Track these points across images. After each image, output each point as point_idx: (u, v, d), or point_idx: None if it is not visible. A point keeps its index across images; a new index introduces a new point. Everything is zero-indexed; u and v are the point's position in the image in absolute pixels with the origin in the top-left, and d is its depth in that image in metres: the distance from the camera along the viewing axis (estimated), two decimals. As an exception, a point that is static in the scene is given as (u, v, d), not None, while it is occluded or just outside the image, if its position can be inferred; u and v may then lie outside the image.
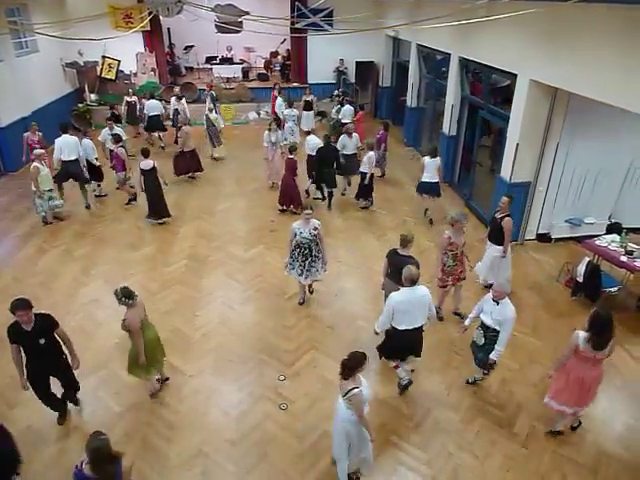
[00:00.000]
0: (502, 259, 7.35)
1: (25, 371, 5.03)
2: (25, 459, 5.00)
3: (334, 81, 18.45)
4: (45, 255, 8.85)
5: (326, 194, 10.77)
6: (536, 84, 7.87)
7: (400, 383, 5.79)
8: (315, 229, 6.75)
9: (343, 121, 13.49)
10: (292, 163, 9.94)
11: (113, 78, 17.00)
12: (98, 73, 16.91)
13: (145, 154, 9.39)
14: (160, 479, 4.86)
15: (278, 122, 12.05)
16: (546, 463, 5.04)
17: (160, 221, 10.02)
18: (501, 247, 7.24)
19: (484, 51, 9.49)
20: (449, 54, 11.30)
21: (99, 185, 11.25)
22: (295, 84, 18.49)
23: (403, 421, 5.50)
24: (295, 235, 6.78)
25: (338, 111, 14.14)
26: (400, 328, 5.34)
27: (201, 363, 6.33)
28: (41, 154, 9.53)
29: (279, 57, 20.68)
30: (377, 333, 5.81)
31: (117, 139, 10.44)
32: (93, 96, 16.83)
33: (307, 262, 6.92)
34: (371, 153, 10.15)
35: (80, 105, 16.47)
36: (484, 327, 5.49)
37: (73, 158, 10.09)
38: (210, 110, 13.29)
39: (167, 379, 6.01)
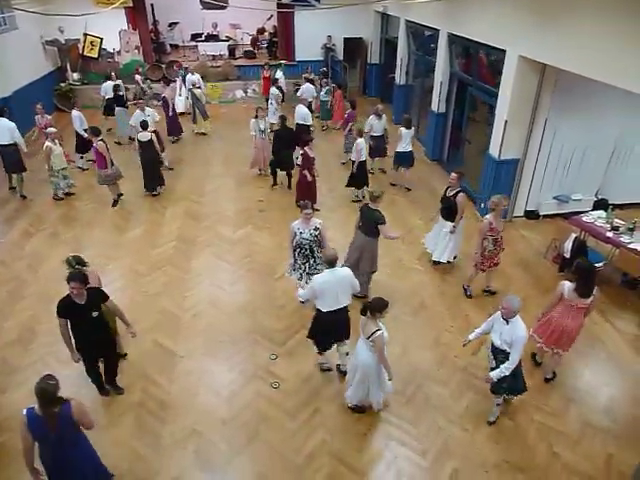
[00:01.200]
0: (452, 235, 7.46)
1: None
2: (14, 443, 5.03)
3: (322, 58, 18.20)
4: (32, 238, 8.74)
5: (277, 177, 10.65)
6: (525, 60, 7.82)
7: (339, 368, 5.91)
8: (316, 229, 6.34)
9: (308, 99, 13.34)
10: (308, 157, 9.23)
11: (96, 56, 16.62)
12: (80, 51, 16.52)
13: (96, 133, 9.16)
14: (154, 458, 4.91)
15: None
16: (533, 434, 5.16)
17: (154, 193, 10.29)
18: (451, 223, 7.36)
19: (473, 27, 9.39)
20: (438, 30, 11.17)
21: (82, 157, 11.33)
22: (283, 61, 18.21)
23: (394, 397, 5.58)
24: (295, 235, 6.37)
25: (327, 92, 13.81)
26: (324, 310, 5.37)
27: (192, 344, 6.34)
28: (53, 133, 9.50)
29: (266, 34, 20.28)
30: (302, 302, 6.52)
31: (95, 132, 9.23)
32: (75, 75, 16.46)
33: (307, 264, 6.51)
34: (360, 140, 9.53)
35: (62, 84, 16.12)
36: (493, 348, 5.00)
37: (6, 142, 9.71)
38: (194, 87, 13.21)
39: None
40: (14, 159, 9.89)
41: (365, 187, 9.94)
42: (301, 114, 11.48)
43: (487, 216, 6.72)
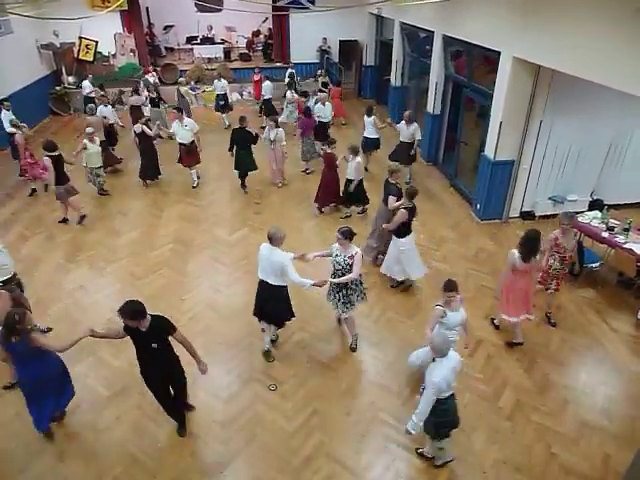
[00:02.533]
0: (404, 253, 7.14)
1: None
2: (12, 446, 5.03)
3: (317, 60, 18.24)
4: (27, 242, 8.71)
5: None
6: (519, 61, 7.85)
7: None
8: (351, 257, 5.70)
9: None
10: (330, 157, 9.21)
11: (91, 60, 16.60)
12: (75, 55, 16.50)
13: (47, 148, 8.54)
14: (151, 461, 4.89)
15: (273, 115, 11.52)
16: (530, 435, 5.17)
17: (149, 182, 10.90)
18: (403, 239, 7.01)
19: (467, 29, 9.42)
20: (432, 32, 11.21)
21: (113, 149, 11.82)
22: (278, 64, 18.25)
23: (391, 398, 5.58)
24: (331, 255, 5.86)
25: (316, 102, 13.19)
26: (258, 276, 5.81)
27: (189, 346, 6.32)
28: (91, 132, 9.69)
29: (261, 36, 20.34)
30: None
31: (47, 147, 8.55)
32: (71, 78, 16.44)
33: (341, 293, 5.96)
34: (358, 159, 8.83)
35: (58, 88, 16.09)
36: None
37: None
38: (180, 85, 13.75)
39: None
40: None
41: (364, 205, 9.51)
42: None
43: (554, 231, 6.32)
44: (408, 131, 10.23)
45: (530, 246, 5.71)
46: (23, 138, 10.08)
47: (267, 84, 14.09)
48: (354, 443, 5.09)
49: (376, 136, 11.15)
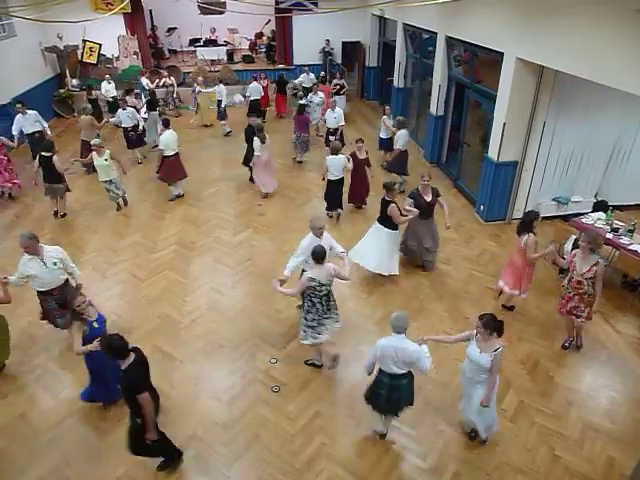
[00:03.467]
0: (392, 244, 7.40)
1: None
2: (17, 448, 5.04)
3: (320, 62, 18.24)
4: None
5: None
6: (522, 62, 7.83)
7: None
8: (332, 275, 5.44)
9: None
10: (363, 161, 9.21)
11: (95, 62, 16.66)
12: (79, 57, 16.56)
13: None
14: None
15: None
16: (533, 437, 5.14)
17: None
18: (393, 231, 7.26)
19: (470, 30, 9.41)
20: (435, 33, 11.20)
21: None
22: (281, 66, 18.27)
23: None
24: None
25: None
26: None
27: (191, 348, 6.33)
28: (98, 144, 9.17)
29: (264, 38, 20.35)
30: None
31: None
32: (75, 81, 16.49)
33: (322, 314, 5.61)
34: (342, 156, 8.98)
35: (61, 90, 16.15)
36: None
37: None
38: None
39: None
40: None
41: (340, 209, 9.38)
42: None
43: (576, 250, 5.90)
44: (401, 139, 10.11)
45: (524, 222, 6.45)
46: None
47: (254, 85, 14.20)
48: (356, 445, 5.08)
49: (386, 136, 11.33)
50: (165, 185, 10.40)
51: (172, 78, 15.48)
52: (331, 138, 11.27)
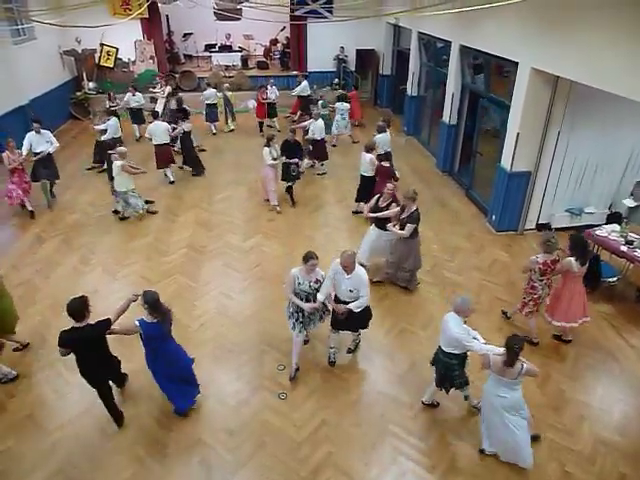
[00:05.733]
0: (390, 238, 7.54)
1: None
2: (24, 448, 5.06)
3: (334, 69, 18.30)
4: (44, 244, 8.82)
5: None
6: (537, 72, 7.79)
7: None
8: (317, 282, 5.57)
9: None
10: (387, 170, 8.97)
11: (111, 66, 16.89)
12: (96, 61, 16.79)
13: None
14: (159, 467, 4.88)
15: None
16: (543, 452, 5.05)
17: (194, 172, 11.85)
18: (385, 231, 7.41)
19: (485, 39, 9.39)
20: (450, 42, 11.19)
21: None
22: (295, 72, 18.34)
23: (402, 410, 5.52)
24: (293, 284, 5.56)
25: (324, 105, 13.76)
26: None
27: (200, 352, 6.31)
28: (122, 152, 9.16)
29: (279, 45, 20.47)
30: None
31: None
32: (91, 84, 16.71)
33: (301, 314, 5.72)
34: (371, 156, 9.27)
35: (78, 93, 16.36)
36: None
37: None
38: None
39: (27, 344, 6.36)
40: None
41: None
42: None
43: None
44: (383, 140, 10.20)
45: (585, 248, 5.99)
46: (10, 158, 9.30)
47: (209, 91, 14.21)
48: (363, 455, 5.03)
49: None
50: (176, 186, 10.49)
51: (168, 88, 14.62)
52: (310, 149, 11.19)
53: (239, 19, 15.14)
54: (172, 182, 11.30)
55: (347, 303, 5.53)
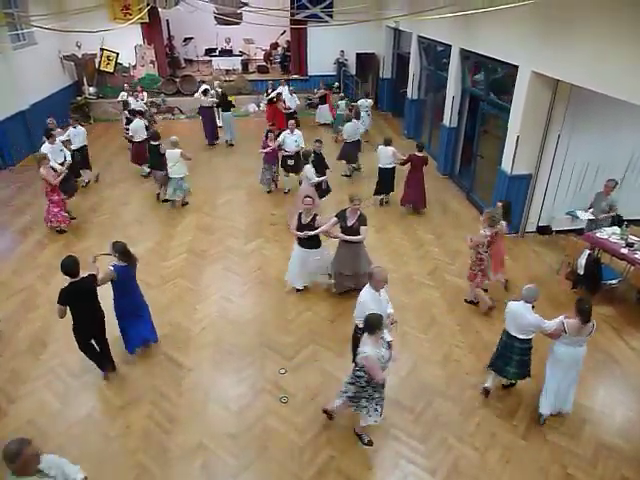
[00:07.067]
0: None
1: None
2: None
3: (334, 73, 18.35)
4: (45, 249, 8.83)
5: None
6: (537, 76, 7.81)
7: None
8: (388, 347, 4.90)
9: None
10: (422, 160, 9.68)
11: (112, 71, 16.95)
12: (97, 66, 16.84)
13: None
14: (160, 471, 4.87)
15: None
16: (545, 455, 5.05)
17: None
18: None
19: (485, 43, 9.42)
20: (450, 46, 11.22)
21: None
22: (295, 76, 18.40)
23: (403, 413, 5.51)
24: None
25: (346, 104, 14.27)
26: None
27: (201, 356, 6.33)
28: (175, 141, 9.90)
29: (279, 49, 20.54)
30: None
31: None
32: (92, 89, 16.76)
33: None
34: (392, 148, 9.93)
35: (79, 98, 16.42)
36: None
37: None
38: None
39: None
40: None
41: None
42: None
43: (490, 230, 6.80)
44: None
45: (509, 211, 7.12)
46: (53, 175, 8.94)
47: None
48: (365, 459, 5.02)
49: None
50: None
51: (144, 93, 14.29)
52: (290, 163, 10.55)
53: (239, 23, 15.16)
54: (147, 175, 11.68)
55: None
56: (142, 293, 6.29)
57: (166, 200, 10.44)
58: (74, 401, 5.68)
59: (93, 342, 5.80)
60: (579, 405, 5.63)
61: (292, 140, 10.32)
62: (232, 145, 14.20)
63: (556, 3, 6.89)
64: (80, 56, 16.50)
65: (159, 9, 16.12)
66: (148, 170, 11.44)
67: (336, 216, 6.95)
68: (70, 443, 5.17)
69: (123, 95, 13.50)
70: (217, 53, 19.76)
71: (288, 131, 10.41)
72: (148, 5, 14.26)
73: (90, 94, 16.68)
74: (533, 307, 5.25)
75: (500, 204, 7.36)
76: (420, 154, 9.66)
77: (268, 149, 10.44)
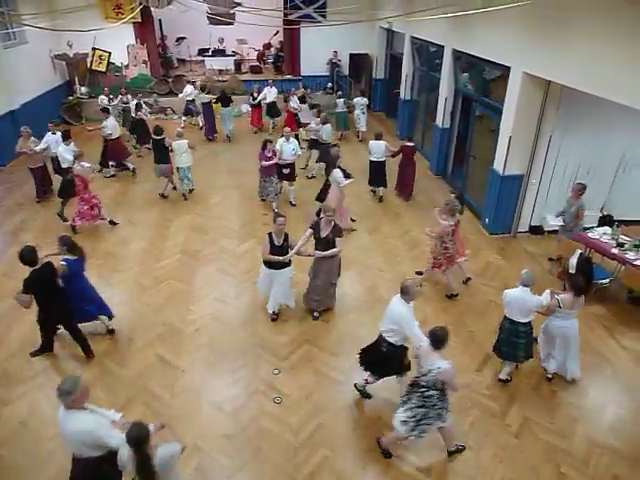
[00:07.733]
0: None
1: None
2: (19, 457, 5.01)
3: (327, 73, 18.36)
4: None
5: None
6: (529, 77, 7.86)
7: None
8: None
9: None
10: (412, 149, 10.55)
11: (104, 70, 16.84)
12: (88, 65, 16.73)
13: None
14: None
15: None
16: (538, 454, 5.08)
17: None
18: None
19: (477, 44, 9.46)
20: (443, 46, 11.26)
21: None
22: (288, 76, 18.38)
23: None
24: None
25: (344, 103, 14.55)
26: None
27: (194, 357, 6.31)
28: (180, 132, 10.63)
29: (272, 49, 20.53)
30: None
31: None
32: (83, 89, 16.64)
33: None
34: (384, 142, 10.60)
35: (70, 98, 16.30)
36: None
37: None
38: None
39: None
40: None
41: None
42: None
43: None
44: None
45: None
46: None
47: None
48: (359, 459, 5.03)
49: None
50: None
51: (128, 96, 14.08)
52: (285, 172, 10.12)
53: (232, 23, 15.13)
54: (134, 170, 12.02)
55: None
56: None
57: (163, 195, 10.87)
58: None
59: (60, 328, 6.18)
60: (571, 404, 5.69)
61: (289, 149, 9.90)
62: (229, 138, 14.75)
63: (552, 3, 6.91)
64: (72, 55, 16.39)
65: (151, 8, 16.04)
66: (112, 172, 11.92)
67: (310, 227, 6.70)
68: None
69: (103, 99, 13.70)
70: (210, 53, 19.72)
71: (284, 139, 9.93)
72: (140, 4, 14.20)
73: (82, 94, 16.56)
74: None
75: (453, 195, 7.76)
76: (410, 144, 10.51)
77: (271, 162, 9.72)
